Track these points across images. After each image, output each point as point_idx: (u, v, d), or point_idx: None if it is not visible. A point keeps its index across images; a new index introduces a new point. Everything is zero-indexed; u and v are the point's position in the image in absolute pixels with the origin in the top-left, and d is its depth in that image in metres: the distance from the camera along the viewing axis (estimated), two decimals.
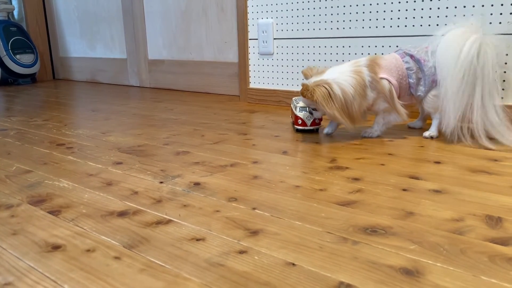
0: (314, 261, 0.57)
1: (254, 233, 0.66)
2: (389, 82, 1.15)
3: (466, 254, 0.58)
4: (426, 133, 1.20)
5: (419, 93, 1.18)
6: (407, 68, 1.16)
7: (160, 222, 0.71)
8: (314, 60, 1.66)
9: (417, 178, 0.88)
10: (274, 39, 1.76)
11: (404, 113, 1.18)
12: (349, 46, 1.55)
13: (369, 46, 1.51)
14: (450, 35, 1.10)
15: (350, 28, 1.54)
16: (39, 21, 3.06)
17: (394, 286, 0.51)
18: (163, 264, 0.58)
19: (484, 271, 0.54)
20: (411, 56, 1.17)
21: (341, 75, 1.14)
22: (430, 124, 1.22)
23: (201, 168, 0.98)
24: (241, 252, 0.60)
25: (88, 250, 0.62)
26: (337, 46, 1.58)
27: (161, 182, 0.90)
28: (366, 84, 1.14)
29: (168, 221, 0.71)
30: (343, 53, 1.58)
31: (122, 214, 0.75)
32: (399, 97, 1.18)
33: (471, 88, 1.07)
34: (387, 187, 0.83)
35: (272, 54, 1.78)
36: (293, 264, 0.57)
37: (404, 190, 0.82)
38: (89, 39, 2.86)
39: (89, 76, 2.93)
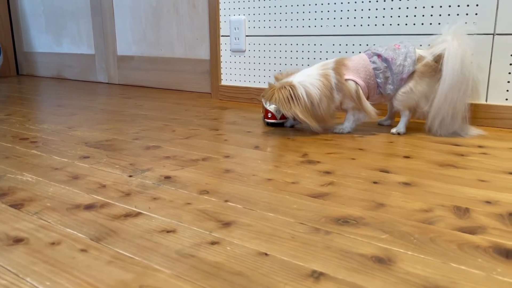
0: (287, 250, 0.57)
1: (227, 224, 0.65)
2: (356, 83, 1.17)
3: (436, 243, 0.59)
4: (394, 130, 1.23)
5: (388, 92, 1.19)
6: (374, 68, 1.17)
7: (129, 215, 0.69)
8: (286, 57, 1.66)
9: (387, 172, 0.89)
10: (246, 36, 1.75)
11: (372, 111, 1.19)
12: (321, 44, 1.56)
13: (340, 45, 1.52)
14: (456, 46, 1.11)
15: (321, 26, 1.55)
16: (3, 14, 2.94)
17: (366, 274, 0.51)
18: (132, 256, 0.56)
19: (454, 258, 0.55)
20: (379, 56, 1.18)
21: (308, 78, 1.17)
22: (399, 122, 1.24)
23: (172, 162, 0.96)
24: (213, 243, 0.59)
25: (53, 243, 0.59)
26: (309, 44, 1.59)
27: (130, 176, 0.88)
28: (333, 86, 1.16)
29: (138, 214, 0.69)
30: (314, 51, 1.59)
31: (89, 207, 0.72)
32: (368, 97, 1.20)
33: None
34: (358, 180, 0.84)
35: (244, 51, 1.77)
36: (266, 254, 0.56)
37: (374, 182, 0.82)
38: (55, 34, 2.77)
39: (55, 72, 2.84)
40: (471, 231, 0.62)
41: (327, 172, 0.89)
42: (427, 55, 1.16)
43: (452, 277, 0.50)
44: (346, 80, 1.16)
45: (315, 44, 1.58)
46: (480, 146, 1.08)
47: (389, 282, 0.49)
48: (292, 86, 1.14)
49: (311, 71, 1.19)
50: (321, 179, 0.85)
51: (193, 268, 0.53)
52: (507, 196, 0.75)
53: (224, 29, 1.82)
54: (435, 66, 1.14)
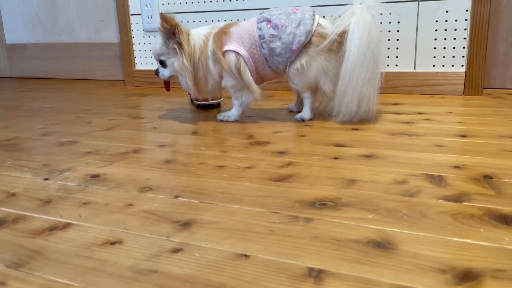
0: (269, 247, 0.47)
1: (186, 225, 0.53)
2: (237, 54, 0.98)
3: (428, 216, 0.52)
4: (298, 116, 1.04)
5: (277, 65, 0.99)
6: (259, 36, 0.97)
7: (54, 228, 0.53)
8: None
9: (343, 146, 0.82)
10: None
11: (257, 90, 1.00)
12: (244, 19, 1.46)
13: None
14: (366, 19, 0.92)
15: (244, 0, 1.45)
16: None
17: (371, 264, 0.43)
18: (70, 283, 0.42)
19: (454, 232, 0.49)
20: (268, 21, 0.97)
21: (197, 35, 1.01)
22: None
23: (96, 158, 0.81)
24: (175, 250, 0.47)
25: None
26: (232, 20, 1.48)
27: (46, 179, 0.71)
28: (209, 54, 1.00)
29: (66, 225, 0.54)
30: None
31: None
32: (257, 70, 1.01)
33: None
34: (317, 157, 0.76)
35: None
36: (246, 255, 0.45)
37: (335, 158, 0.75)
38: None
39: None
40: (456, 199, 0.57)
41: (281, 152, 0.80)
42: (331, 26, 0.96)
43: (464, 254, 0.44)
44: (225, 52, 0.98)
45: (238, 19, 1.47)
46: (420, 113, 1.07)
47: (401, 270, 0.42)
48: (187, 33, 0.99)
49: (202, 30, 1.02)
50: (278, 160, 0.75)
51: (158, 287, 0.41)
52: (471, 158, 0.73)
53: (134, 7, 1.63)
54: (338, 40, 0.94)
